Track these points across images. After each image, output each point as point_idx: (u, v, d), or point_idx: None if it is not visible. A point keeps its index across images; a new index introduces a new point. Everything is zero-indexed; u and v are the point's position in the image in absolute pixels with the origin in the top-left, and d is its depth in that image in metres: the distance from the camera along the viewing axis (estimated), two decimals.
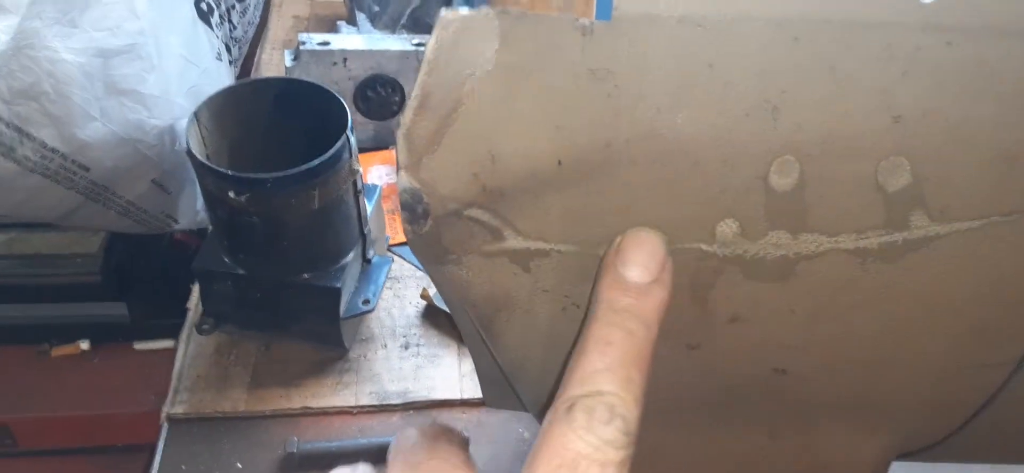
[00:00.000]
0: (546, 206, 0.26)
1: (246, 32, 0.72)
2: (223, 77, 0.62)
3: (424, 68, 0.23)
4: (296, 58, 0.74)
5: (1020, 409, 0.32)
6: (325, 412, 0.58)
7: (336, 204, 0.54)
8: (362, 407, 0.58)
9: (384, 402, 0.59)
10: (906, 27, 0.22)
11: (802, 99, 0.23)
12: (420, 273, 0.68)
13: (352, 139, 0.54)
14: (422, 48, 0.69)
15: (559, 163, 0.25)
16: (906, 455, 0.36)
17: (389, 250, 0.69)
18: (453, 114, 0.24)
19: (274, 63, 0.90)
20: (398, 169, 0.24)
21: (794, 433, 0.34)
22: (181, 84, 0.54)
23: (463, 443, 0.29)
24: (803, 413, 0.33)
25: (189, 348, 0.61)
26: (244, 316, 0.59)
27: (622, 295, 0.25)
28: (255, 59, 0.90)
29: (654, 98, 0.24)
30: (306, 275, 0.56)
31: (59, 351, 0.92)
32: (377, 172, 0.78)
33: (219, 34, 0.62)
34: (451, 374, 0.60)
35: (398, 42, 0.75)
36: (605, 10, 0.23)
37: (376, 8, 0.84)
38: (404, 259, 0.70)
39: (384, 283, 0.62)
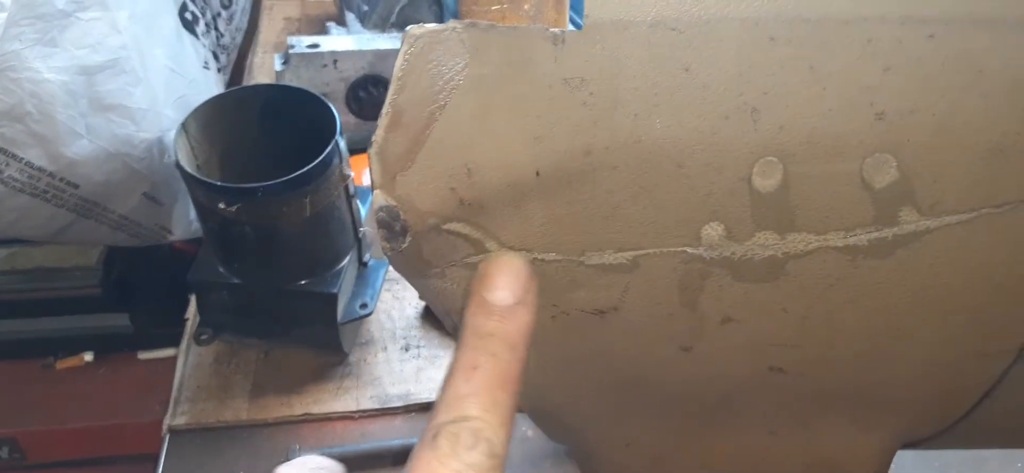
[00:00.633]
0: (528, 215, 0.25)
1: (234, 38, 0.72)
2: (211, 86, 0.62)
3: (393, 85, 0.23)
4: (286, 62, 0.73)
5: (1022, 396, 0.31)
6: (327, 418, 0.58)
7: (329, 209, 0.54)
8: (364, 411, 0.58)
9: (386, 405, 0.59)
10: (886, 21, 0.22)
11: (782, 99, 0.23)
12: None
13: (342, 143, 0.53)
14: None
15: (537, 173, 0.24)
16: (911, 445, 0.35)
17: None
18: (426, 130, 0.23)
19: (266, 67, 0.90)
20: (372, 187, 0.24)
21: (795, 430, 0.33)
22: (168, 95, 0.54)
23: None
24: (803, 410, 0.32)
25: (189, 359, 0.61)
26: (242, 325, 0.59)
27: (486, 319, 0.25)
28: (246, 63, 0.90)
29: (631, 104, 0.23)
30: (302, 282, 0.56)
31: (64, 364, 0.93)
32: None
33: (205, 43, 0.62)
34: None
35: (388, 41, 0.74)
36: (577, 18, 0.23)
37: (365, 8, 0.84)
38: None
39: (382, 286, 0.61)
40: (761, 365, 0.30)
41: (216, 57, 0.65)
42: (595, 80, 0.23)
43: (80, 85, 0.45)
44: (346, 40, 0.77)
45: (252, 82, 0.86)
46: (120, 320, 0.89)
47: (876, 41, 0.22)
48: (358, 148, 0.78)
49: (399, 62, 0.23)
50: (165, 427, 0.56)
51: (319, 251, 0.56)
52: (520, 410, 0.37)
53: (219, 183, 0.48)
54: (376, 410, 0.58)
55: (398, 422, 0.58)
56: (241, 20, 0.75)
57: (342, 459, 0.56)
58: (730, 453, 0.34)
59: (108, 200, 0.52)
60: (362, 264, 0.60)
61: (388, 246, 0.25)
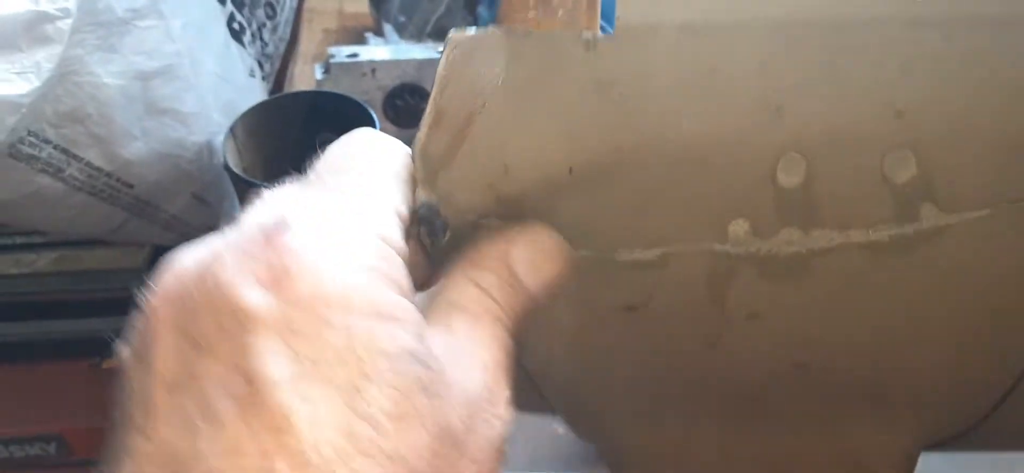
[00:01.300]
0: (561, 213, 0.27)
1: (277, 48, 0.75)
2: (256, 93, 0.64)
3: (436, 87, 0.24)
4: (326, 71, 0.75)
5: None
6: None
7: None
8: None
9: None
10: (902, 23, 0.23)
11: (804, 98, 0.24)
12: None
13: None
14: None
15: (570, 171, 0.26)
16: (935, 445, 0.36)
17: None
18: (466, 129, 0.25)
19: (306, 76, 0.92)
20: (415, 185, 0.26)
21: (820, 428, 0.34)
22: (216, 101, 0.56)
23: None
24: (828, 407, 0.33)
25: None
26: None
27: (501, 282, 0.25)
28: (287, 73, 0.93)
29: (659, 104, 0.24)
30: None
31: (110, 364, 0.96)
32: None
33: (251, 52, 0.65)
34: None
35: (424, 51, 0.76)
36: (608, 23, 0.24)
37: (402, 18, 0.86)
38: None
39: None
40: (786, 361, 0.31)
41: (261, 65, 0.68)
42: (625, 81, 0.24)
43: (136, 89, 0.47)
44: (384, 50, 0.79)
45: (292, 91, 0.89)
46: None
47: (894, 42, 0.23)
48: None
49: (441, 65, 0.25)
50: None
51: None
52: (550, 409, 0.38)
53: (265, 184, 0.50)
54: None
55: None
56: (284, 31, 0.78)
57: None
58: (756, 451, 0.35)
59: (160, 200, 0.54)
60: None
61: (429, 241, 0.27)
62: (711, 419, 0.34)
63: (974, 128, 0.24)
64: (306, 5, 1.02)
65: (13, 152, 0.44)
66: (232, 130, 0.55)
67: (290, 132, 0.58)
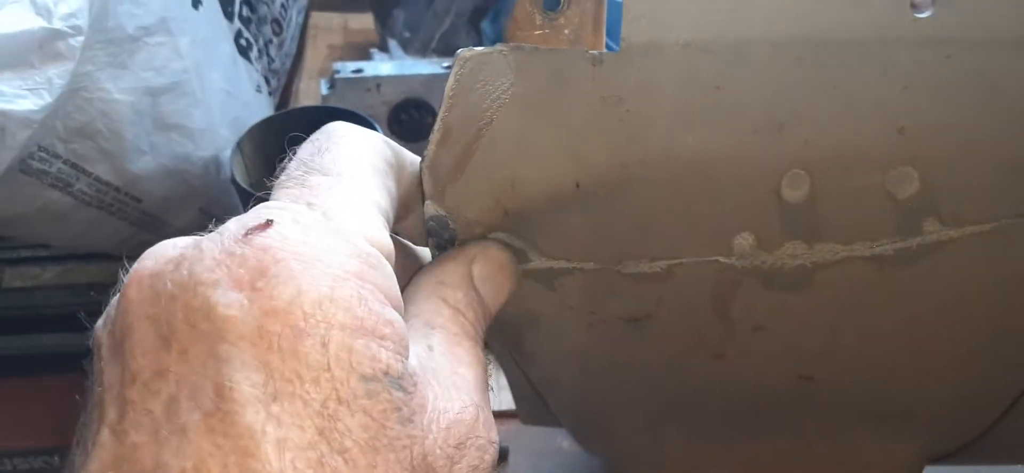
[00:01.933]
0: (567, 227, 0.27)
1: (283, 64, 0.75)
2: (263, 108, 0.65)
3: (444, 103, 0.25)
4: (332, 87, 0.76)
5: None
6: None
7: None
8: None
9: None
10: (904, 43, 0.23)
11: (808, 116, 0.24)
12: None
13: None
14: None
15: (577, 186, 0.26)
16: (939, 459, 0.36)
17: None
18: (474, 145, 0.25)
19: (311, 92, 0.93)
20: (424, 199, 0.26)
21: (826, 441, 0.34)
22: (223, 117, 0.57)
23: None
24: (833, 420, 0.33)
25: None
26: None
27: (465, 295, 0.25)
28: (292, 89, 0.93)
29: (665, 121, 0.25)
30: None
31: None
32: None
33: (258, 68, 0.65)
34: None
35: (429, 66, 0.77)
36: (614, 40, 0.25)
37: (407, 34, 0.87)
38: None
39: None
40: (791, 373, 0.31)
41: (267, 81, 0.68)
42: (631, 98, 0.25)
43: (146, 105, 0.48)
44: (388, 65, 0.79)
45: (298, 106, 0.89)
46: None
47: (896, 61, 0.23)
48: None
49: (450, 82, 0.25)
50: None
51: None
52: (556, 423, 0.39)
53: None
54: None
55: None
56: (290, 47, 0.78)
57: None
58: (760, 464, 0.36)
59: (167, 214, 0.55)
60: None
61: (437, 254, 0.27)
62: (716, 432, 0.35)
63: (976, 145, 0.24)
64: (311, 21, 1.03)
65: (24, 167, 0.44)
66: (239, 145, 0.55)
67: (296, 147, 0.59)
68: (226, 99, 0.57)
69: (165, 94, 0.49)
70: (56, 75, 0.40)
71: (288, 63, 0.78)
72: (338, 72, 0.78)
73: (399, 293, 0.21)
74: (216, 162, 0.55)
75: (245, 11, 0.64)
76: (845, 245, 0.26)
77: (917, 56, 0.23)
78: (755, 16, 0.24)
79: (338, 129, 0.24)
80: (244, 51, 0.63)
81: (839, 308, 0.28)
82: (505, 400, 0.60)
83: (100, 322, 0.20)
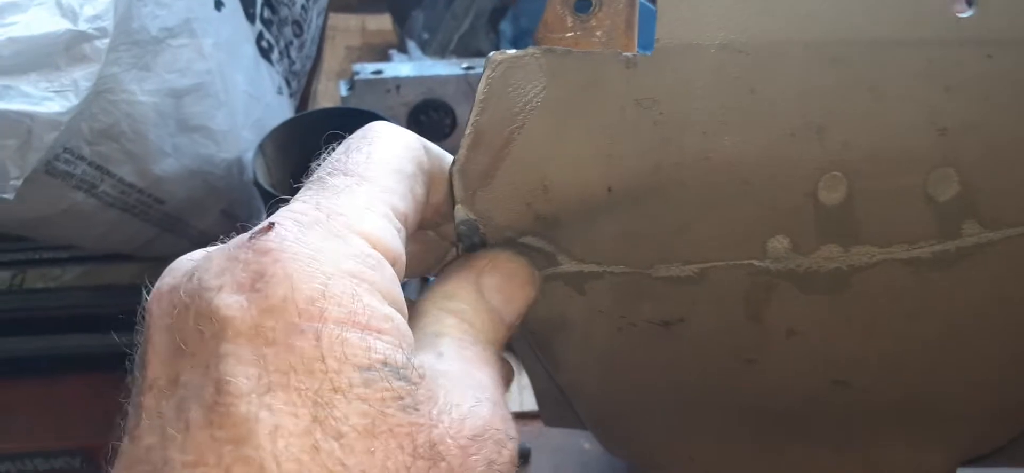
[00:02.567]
0: (598, 230, 0.27)
1: (304, 66, 0.75)
2: (284, 110, 0.65)
3: (476, 107, 0.25)
4: (351, 88, 0.76)
5: None
6: None
7: None
8: None
9: None
10: (944, 43, 0.23)
11: (845, 118, 0.24)
12: None
13: None
14: (472, 71, 0.71)
15: (609, 190, 0.26)
16: (970, 461, 0.36)
17: None
18: (505, 149, 0.25)
19: (329, 93, 0.93)
20: (454, 203, 0.26)
21: (858, 446, 0.34)
22: (246, 119, 0.57)
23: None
24: (866, 425, 0.33)
25: None
26: None
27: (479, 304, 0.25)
28: (311, 90, 0.93)
29: (700, 123, 0.25)
30: None
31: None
32: None
33: (279, 69, 0.65)
34: (511, 387, 0.61)
35: (447, 67, 0.77)
36: (647, 43, 0.24)
37: (426, 35, 0.86)
38: None
39: None
40: (825, 378, 0.31)
41: (288, 83, 0.68)
42: (666, 100, 0.24)
43: (169, 107, 0.48)
44: (407, 66, 0.79)
45: (317, 107, 0.90)
46: None
47: (936, 61, 0.23)
48: None
49: (481, 85, 0.25)
50: None
51: None
52: (581, 424, 0.38)
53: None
54: None
55: None
56: (310, 49, 0.79)
57: None
58: (791, 467, 0.35)
59: (190, 216, 0.55)
60: (424, 280, 0.62)
61: None
62: (746, 437, 0.34)
63: (1018, 146, 0.24)
64: (329, 23, 1.03)
65: (49, 169, 0.44)
66: (261, 147, 0.56)
67: (317, 148, 0.59)
68: (248, 101, 0.57)
69: (188, 95, 0.49)
70: (82, 77, 0.40)
71: (308, 65, 0.78)
72: (358, 73, 0.78)
73: (401, 295, 0.21)
74: (239, 164, 0.56)
75: (266, 13, 0.64)
76: (882, 248, 0.26)
77: (958, 56, 0.23)
78: (790, 17, 0.23)
79: (375, 129, 0.24)
80: (265, 53, 0.63)
81: (875, 312, 0.28)
82: (528, 401, 0.60)
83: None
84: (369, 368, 0.18)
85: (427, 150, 0.25)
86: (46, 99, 0.39)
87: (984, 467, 0.36)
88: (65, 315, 0.84)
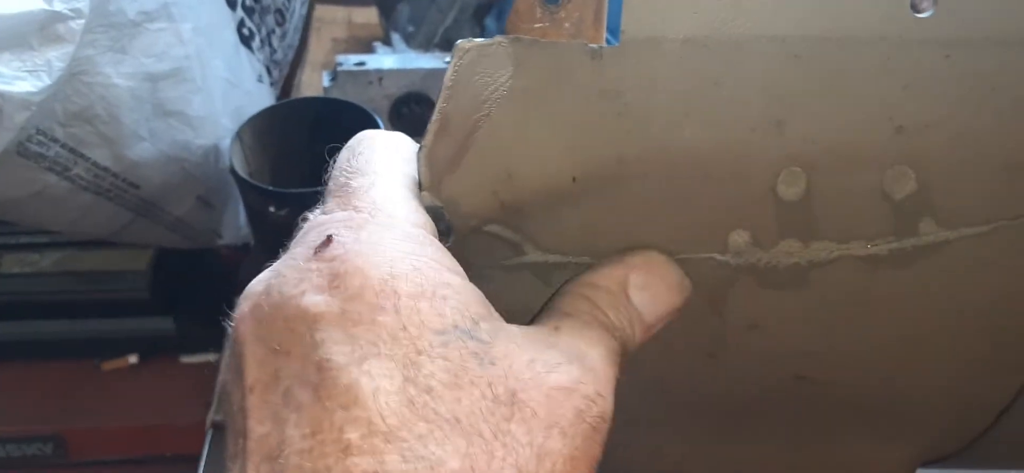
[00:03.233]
0: (564, 221, 0.27)
1: (286, 55, 0.75)
2: (264, 98, 0.65)
3: (443, 94, 0.25)
4: (334, 78, 0.76)
5: None
6: None
7: None
8: None
9: None
10: (904, 42, 0.23)
11: (805, 113, 0.24)
12: None
13: None
14: None
15: (574, 179, 0.26)
16: (931, 463, 0.36)
17: None
18: (471, 136, 0.25)
19: (313, 84, 0.93)
20: (420, 189, 0.26)
21: (820, 441, 0.34)
22: (225, 105, 0.57)
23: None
24: (827, 421, 0.33)
25: None
26: None
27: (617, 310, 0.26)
28: (295, 80, 0.93)
29: (663, 115, 0.25)
30: None
31: (109, 365, 0.96)
32: None
33: (260, 57, 0.65)
34: None
35: (431, 61, 0.77)
36: (614, 35, 0.24)
37: (410, 28, 0.86)
38: None
39: None
40: (786, 373, 0.31)
41: (269, 71, 0.68)
42: (630, 92, 0.25)
43: (145, 91, 0.48)
44: (391, 59, 0.79)
45: (298, 97, 0.89)
46: (165, 324, 0.92)
47: (895, 60, 0.23)
48: None
49: (449, 73, 0.25)
50: (209, 422, 0.59)
51: None
52: None
53: (270, 188, 0.51)
54: None
55: None
56: (293, 38, 0.78)
57: None
58: (754, 463, 0.35)
59: (165, 202, 0.55)
60: None
61: None
62: (710, 432, 0.35)
63: (974, 146, 0.24)
64: (316, 14, 1.03)
65: (21, 150, 0.44)
66: (239, 134, 0.56)
67: (296, 138, 0.59)
68: (227, 88, 0.57)
69: (165, 80, 0.49)
70: (56, 58, 0.40)
71: (290, 54, 0.78)
72: (340, 64, 0.78)
73: (450, 260, 0.23)
74: (216, 150, 0.56)
75: (248, 0, 0.64)
76: (840, 244, 0.26)
77: (917, 55, 0.23)
78: (754, 12, 0.24)
79: (368, 134, 0.27)
80: (246, 40, 0.63)
81: (834, 308, 0.28)
82: None
83: (221, 372, 0.24)
84: (444, 331, 0.21)
85: (411, 142, 0.27)
86: (18, 78, 0.39)
87: (945, 468, 0.36)
88: (41, 301, 0.83)
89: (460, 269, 0.23)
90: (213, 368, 0.66)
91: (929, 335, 0.29)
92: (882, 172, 0.25)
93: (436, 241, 0.23)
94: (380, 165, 0.25)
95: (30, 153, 0.44)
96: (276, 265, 0.23)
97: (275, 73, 0.70)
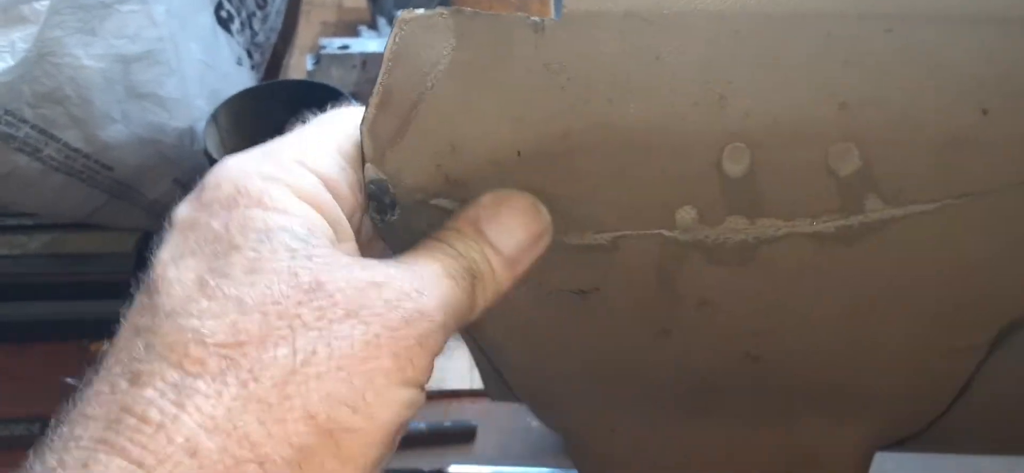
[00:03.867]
0: None
1: (268, 38, 0.75)
2: (244, 81, 0.65)
3: (384, 66, 0.25)
4: (317, 62, 0.76)
5: (997, 395, 0.32)
6: None
7: None
8: None
9: None
10: (845, 17, 0.23)
11: (747, 88, 0.24)
12: None
13: None
14: None
15: (519, 154, 0.26)
16: (891, 446, 0.36)
17: None
18: (414, 109, 0.25)
19: (301, 67, 0.93)
20: (364, 162, 0.26)
21: (774, 423, 0.34)
22: (201, 88, 0.57)
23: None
24: (782, 402, 0.33)
25: None
26: None
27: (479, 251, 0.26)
28: (282, 63, 0.93)
29: (606, 90, 0.25)
30: None
31: (97, 346, 0.96)
32: None
33: (239, 40, 0.65)
34: (462, 365, 0.62)
35: None
36: (556, 8, 0.24)
37: (397, 13, 0.86)
38: None
39: None
40: (737, 351, 0.31)
41: (250, 54, 0.68)
42: (573, 66, 0.24)
43: (117, 73, 0.47)
44: (375, 43, 0.79)
45: (276, 80, 0.89)
46: None
47: (836, 35, 0.23)
48: None
49: (389, 45, 0.25)
50: None
51: None
52: (519, 400, 0.39)
53: None
54: None
55: None
56: (275, 21, 0.78)
57: None
58: (711, 444, 0.35)
59: (140, 184, 0.55)
60: None
61: (378, 218, 0.27)
62: (665, 412, 0.35)
63: (917, 122, 0.24)
64: None
65: None
66: (214, 117, 0.55)
67: (274, 121, 0.58)
68: (204, 70, 0.57)
69: (138, 62, 0.49)
70: (20, 39, 0.40)
71: (273, 37, 0.78)
72: (324, 48, 0.78)
73: (327, 200, 0.24)
74: (191, 133, 0.55)
75: None
76: (786, 221, 0.26)
77: (857, 30, 0.23)
78: None
79: (335, 109, 0.28)
80: (225, 23, 0.63)
81: (782, 285, 0.28)
82: (476, 380, 0.60)
83: None
84: (267, 231, 0.22)
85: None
86: None
87: (902, 452, 0.36)
88: (29, 283, 0.83)
89: (335, 215, 0.24)
90: None
91: (877, 315, 0.29)
92: (826, 148, 0.25)
93: (313, 178, 0.24)
94: (313, 127, 0.27)
95: None
96: None
97: (256, 56, 0.70)
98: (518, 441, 0.56)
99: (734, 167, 0.25)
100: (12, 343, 0.86)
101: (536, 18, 0.24)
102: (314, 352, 0.21)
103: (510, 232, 0.26)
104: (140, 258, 0.88)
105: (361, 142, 0.26)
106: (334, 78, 0.76)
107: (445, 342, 0.24)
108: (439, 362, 0.66)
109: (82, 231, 0.80)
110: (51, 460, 0.21)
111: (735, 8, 0.23)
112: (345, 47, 0.78)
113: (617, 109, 0.25)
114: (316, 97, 0.59)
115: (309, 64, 0.78)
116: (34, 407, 0.94)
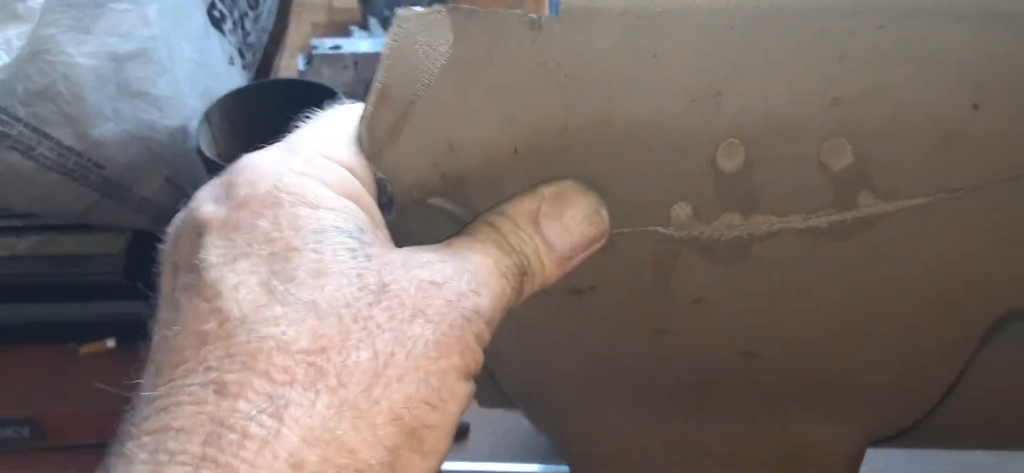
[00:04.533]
0: (507, 194, 0.27)
1: (260, 38, 0.75)
2: (236, 80, 0.65)
3: (382, 63, 0.25)
4: (309, 62, 0.76)
5: (989, 389, 0.32)
6: None
7: None
8: None
9: None
10: (839, 12, 0.23)
11: (742, 85, 0.24)
12: None
13: None
14: None
15: (516, 151, 0.26)
16: (883, 441, 0.36)
17: None
18: (411, 106, 0.25)
19: (292, 67, 0.93)
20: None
21: (769, 419, 0.34)
22: (193, 87, 0.57)
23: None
24: (776, 398, 0.34)
25: None
26: None
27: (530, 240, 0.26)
28: (273, 64, 0.93)
29: (602, 87, 0.25)
30: None
31: (87, 349, 0.95)
32: None
33: (232, 40, 0.65)
34: None
35: None
36: (552, 5, 0.24)
37: (388, 13, 0.86)
38: None
39: None
40: (733, 349, 0.31)
41: (242, 54, 0.68)
42: (569, 64, 0.25)
43: (109, 71, 0.47)
44: (366, 43, 0.79)
45: (268, 79, 0.89)
46: (142, 308, 0.92)
47: (829, 31, 0.23)
48: None
49: (387, 42, 0.25)
50: None
51: None
52: (511, 405, 0.39)
53: None
54: None
55: None
56: (267, 21, 0.78)
57: None
58: (705, 442, 0.36)
59: (132, 182, 0.54)
60: None
61: None
62: (660, 410, 0.35)
63: (910, 117, 0.24)
64: None
65: None
66: (207, 116, 0.55)
67: (267, 119, 0.58)
68: (196, 69, 0.57)
69: (130, 61, 0.49)
70: (14, 36, 0.40)
71: (264, 37, 0.78)
72: (315, 48, 0.78)
73: (359, 190, 0.24)
74: (183, 132, 0.55)
75: None
76: (780, 217, 0.26)
77: (851, 25, 0.23)
78: None
79: (334, 108, 0.28)
80: (217, 22, 0.62)
81: (776, 281, 0.28)
82: None
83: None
84: (321, 231, 0.22)
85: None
86: None
87: (893, 448, 0.37)
88: (18, 285, 0.83)
89: (359, 194, 0.24)
90: None
91: (871, 310, 0.29)
92: (819, 144, 0.25)
93: (341, 171, 0.24)
94: (321, 122, 0.27)
95: None
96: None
97: (248, 56, 0.70)
98: (511, 439, 0.56)
99: (729, 163, 0.26)
100: (2, 345, 0.85)
101: (533, 16, 0.24)
102: (392, 354, 0.21)
103: (568, 232, 0.26)
104: (130, 260, 0.88)
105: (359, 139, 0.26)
106: (325, 79, 0.76)
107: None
108: None
109: (71, 232, 0.80)
110: None
111: (731, 4, 0.24)
112: (337, 47, 0.78)
113: (613, 107, 0.25)
114: (310, 96, 0.59)
115: (300, 64, 0.78)
116: (24, 409, 0.93)
